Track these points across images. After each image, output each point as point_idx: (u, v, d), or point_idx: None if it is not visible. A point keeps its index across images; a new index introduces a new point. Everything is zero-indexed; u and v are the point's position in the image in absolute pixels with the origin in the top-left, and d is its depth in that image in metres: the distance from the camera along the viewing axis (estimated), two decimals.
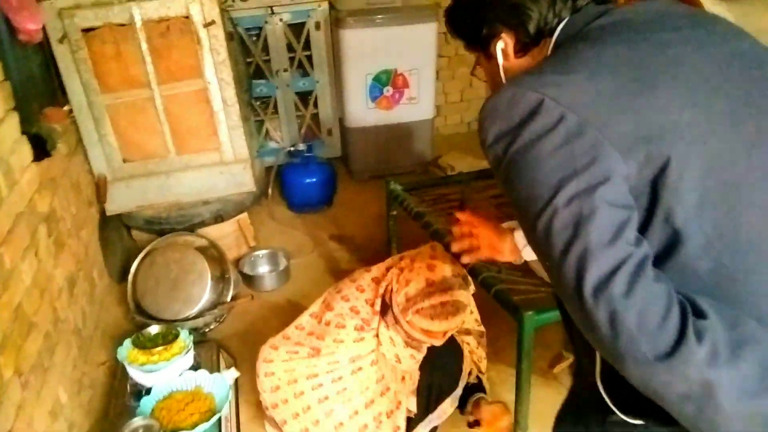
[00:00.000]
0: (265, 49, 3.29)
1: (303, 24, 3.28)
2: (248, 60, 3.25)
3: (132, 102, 2.46)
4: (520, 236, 1.26)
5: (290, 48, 3.32)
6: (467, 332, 1.83)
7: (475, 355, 1.85)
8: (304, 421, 1.59)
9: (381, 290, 1.55)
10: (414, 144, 3.55)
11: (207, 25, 2.37)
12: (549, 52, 0.90)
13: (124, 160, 2.56)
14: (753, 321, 0.72)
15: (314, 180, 3.17)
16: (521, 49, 0.94)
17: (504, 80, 0.97)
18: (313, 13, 3.25)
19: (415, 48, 3.26)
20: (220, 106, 2.52)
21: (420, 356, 1.63)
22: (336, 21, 3.19)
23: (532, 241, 0.80)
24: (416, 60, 3.29)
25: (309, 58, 3.37)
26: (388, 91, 3.33)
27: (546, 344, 2.23)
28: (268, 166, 3.38)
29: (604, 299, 0.70)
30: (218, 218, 2.71)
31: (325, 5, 3.24)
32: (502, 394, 2.06)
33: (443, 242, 2.12)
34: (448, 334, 1.54)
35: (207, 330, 2.35)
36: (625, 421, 0.88)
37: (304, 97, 3.49)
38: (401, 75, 3.31)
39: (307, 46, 3.34)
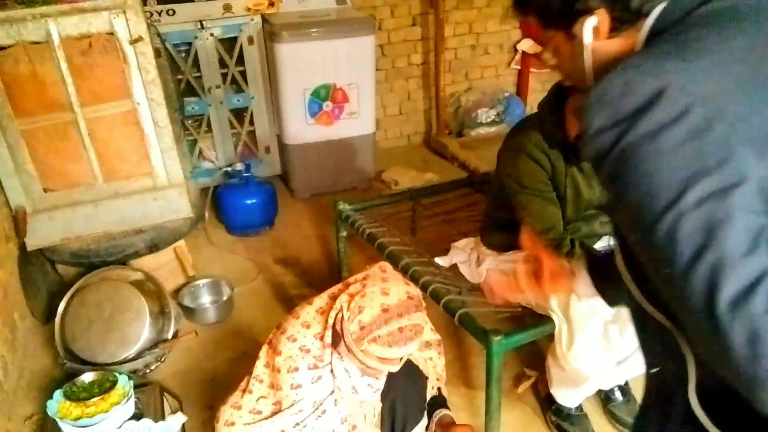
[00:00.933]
0: (196, 65, 3.13)
1: (235, 38, 3.13)
2: (178, 77, 3.07)
3: (52, 126, 2.25)
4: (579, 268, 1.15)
5: (222, 63, 3.17)
6: (427, 345, 1.75)
7: (437, 366, 1.79)
8: None
9: (330, 321, 1.44)
10: (356, 159, 3.46)
11: (134, 41, 2.20)
12: (645, 36, 0.81)
13: (45, 190, 2.34)
14: None
15: (254, 201, 3.03)
16: (614, 28, 0.83)
17: (588, 64, 0.87)
18: (245, 27, 3.11)
19: (353, 61, 3.18)
20: (151, 128, 2.35)
21: (379, 385, 1.54)
22: (270, 35, 3.07)
23: (647, 245, 0.70)
24: (355, 74, 3.21)
25: (243, 73, 3.23)
26: (328, 106, 3.24)
27: (505, 363, 2.18)
28: (204, 188, 3.21)
29: (743, 316, 0.61)
30: (153, 247, 2.52)
31: (258, 19, 3.12)
32: (469, 418, 1.99)
33: (399, 264, 2.05)
34: (405, 358, 1.46)
35: (148, 371, 2.16)
36: None
37: (239, 114, 3.34)
38: (340, 89, 3.22)
39: (240, 61, 3.20)
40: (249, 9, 3.04)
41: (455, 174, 3.50)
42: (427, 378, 1.73)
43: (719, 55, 0.71)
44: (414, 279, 1.94)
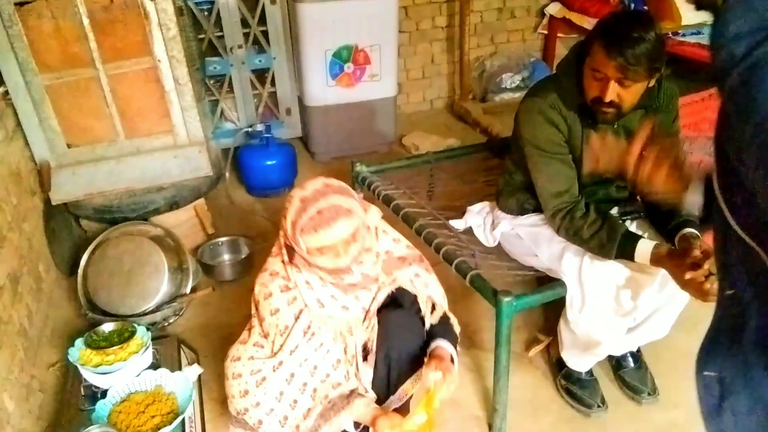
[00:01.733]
0: (218, 24, 3.12)
1: None
2: (200, 36, 3.07)
3: (75, 82, 2.28)
4: None
5: (245, 23, 3.15)
6: (403, 260, 1.59)
7: (429, 285, 1.61)
8: (281, 412, 1.49)
9: (281, 239, 1.46)
10: (377, 123, 3.44)
11: None
12: None
13: (69, 145, 2.38)
14: None
15: (274, 162, 3.04)
16: None
17: None
18: None
19: (375, 23, 3.14)
20: (172, 86, 2.37)
21: (347, 300, 1.49)
22: None
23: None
24: (377, 35, 3.17)
25: (265, 33, 3.21)
26: (349, 68, 3.21)
27: (517, 327, 2.19)
28: (225, 148, 3.23)
29: None
30: (173, 205, 2.56)
31: None
32: (478, 380, 2.01)
33: (413, 226, 2.05)
34: (348, 253, 1.38)
35: (166, 324, 2.22)
36: None
37: (261, 74, 3.33)
38: (362, 51, 3.18)
39: (262, 21, 3.17)
40: None
41: (477, 140, 3.45)
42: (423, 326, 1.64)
43: None
44: (427, 241, 1.94)
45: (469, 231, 2.03)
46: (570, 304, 1.73)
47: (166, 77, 2.35)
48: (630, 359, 1.96)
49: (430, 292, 1.57)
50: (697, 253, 1.47)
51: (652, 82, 1.58)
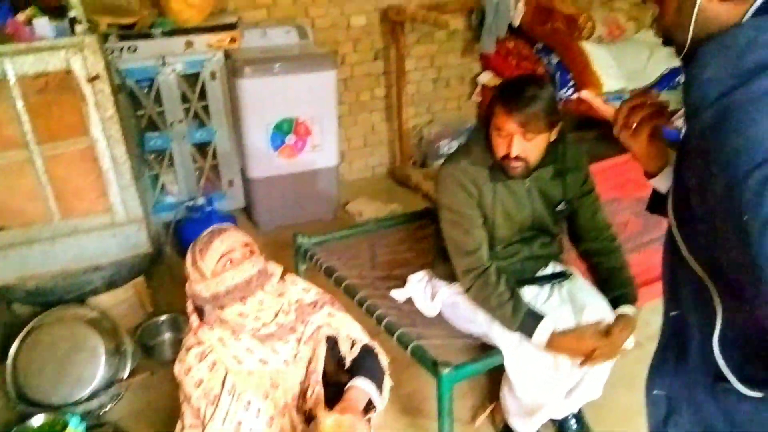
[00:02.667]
0: (158, 100, 3.14)
1: (197, 74, 3.16)
2: (139, 113, 3.08)
3: (8, 165, 2.24)
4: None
5: (185, 98, 3.19)
6: (314, 305, 1.59)
7: (341, 321, 1.60)
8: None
9: (189, 306, 1.51)
10: (320, 191, 3.49)
11: (91, 79, 2.22)
12: (753, 11, 0.81)
13: (1, 228, 2.32)
14: None
15: None
16: None
17: (691, 22, 0.85)
18: (207, 62, 3.14)
19: (315, 96, 3.23)
20: (110, 165, 2.36)
21: (272, 357, 1.48)
22: (232, 70, 3.10)
23: (731, 195, 0.72)
24: (317, 108, 3.26)
25: (205, 108, 3.25)
26: (291, 139, 3.27)
27: (464, 394, 2.20)
28: (166, 222, 3.20)
29: None
30: (111, 284, 2.50)
31: (220, 54, 3.15)
32: None
33: (355, 298, 2.07)
34: (251, 260, 1.42)
35: (102, 412, 2.13)
36: (739, 392, 0.84)
37: (203, 148, 3.35)
38: (303, 123, 3.26)
39: (203, 96, 3.22)
40: (211, 45, 3.08)
41: (419, 204, 3.54)
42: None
43: None
44: (369, 312, 1.96)
45: (410, 301, 2.06)
46: (508, 369, 1.77)
47: (104, 157, 2.34)
48: (572, 420, 1.99)
49: (347, 330, 1.58)
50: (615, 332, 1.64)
51: (554, 136, 1.71)
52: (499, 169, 1.73)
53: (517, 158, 1.66)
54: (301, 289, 1.62)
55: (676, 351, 0.97)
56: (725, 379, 0.86)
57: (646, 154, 0.94)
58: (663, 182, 1.03)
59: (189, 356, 1.48)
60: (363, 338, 1.59)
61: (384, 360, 1.58)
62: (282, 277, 1.57)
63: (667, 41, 0.91)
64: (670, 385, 0.98)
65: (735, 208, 0.72)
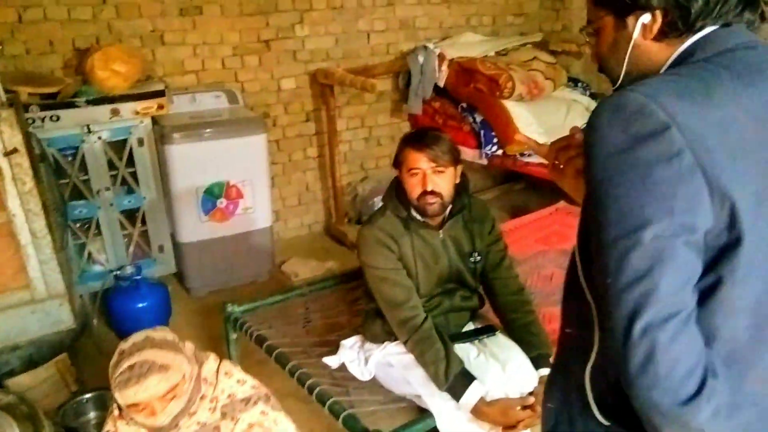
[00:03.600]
0: (83, 168, 3.08)
1: (125, 141, 3.12)
2: (63, 181, 3.01)
3: None
4: None
5: (112, 165, 3.14)
6: (247, 401, 1.54)
7: (279, 422, 1.57)
8: None
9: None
10: (254, 252, 3.46)
11: (8, 153, 2.17)
12: (679, 53, 0.87)
13: None
14: (748, 390, 0.81)
15: (145, 304, 2.93)
16: (662, 32, 0.88)
17: (626, 57, 0.91)
18: (134, 129, 3.11)
19: (246, 159, 3.24)
20: (29, 240, 2.28)
21: None
22: (161, 136, 3.09)
23: (601, 255, 0.79)
24: (248, 170, 3.27)
25: (133, 174, 3.20)
26: (222, 203, 3.25)
27: None
28: (94, 292, 3.09)
29: (648, 341, 0.74)
30: (31, 364, 2.38)
31: (148, 121, 3.13)
32: None
33: (286, 367, 2.04)
34: (166, 412, 1.37)
35: None
36: (596, 421, 0.92)
37: (131, 214, 3.28)
38: (234, 186, 3.25)
39: (130, 162, 3.18)
40: (138, 112, 3.06)
41: (355, 262, 3.53)
42: None
43: (735, 108, 0.80)
44: (301, 381, 1.94)
45: (344, 366, 2.06)
46: (442, 430, 1.78)
47: (22, 231, 2.26)
48: None
49: (280, 429, 1.56)
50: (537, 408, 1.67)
51: (458, 178, 1.86)
52: (412, 217, 1.86)
53: (432, 193, 1.79)
54: (235, 381, 1.57)
55: (563, 368, 1.04)
56: (589, 404, 0.93)
57: (575, 189, 0.99)
58: None
59: None
60: None
61: None
62: (218, 362, 1.55)
63: (602, 70, 1.00)
64: (557, 400, 1.04)
65: (601, 268, 0.80)
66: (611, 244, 0.78)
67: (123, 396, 1.34)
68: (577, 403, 0.95)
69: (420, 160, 1.78)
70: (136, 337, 1.42)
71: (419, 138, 1.83)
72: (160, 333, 1.44)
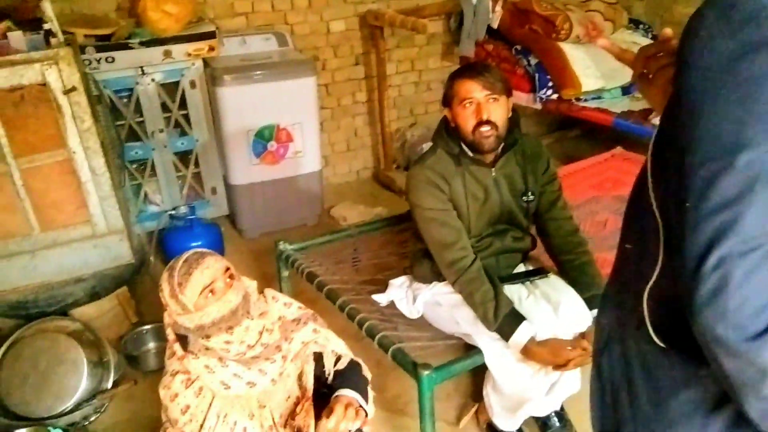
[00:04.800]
0: (138, 110, 3.14)
1: (177, 83, 3.16)
2: (119, 123, 3.08)
3: None
4: None
5: (165, 108, 3.19)
6: (297, 322, 1.57)
7: (330, 339, 1.59)
8: None
9: (170, 335, 1.47)
10: (303, 197, 3.50)
11: (67, 92, 2.22)
12: None
13: None
14: None
15: (200, 243, 3.01)
16: None
17: None
18: (186, 71, 3.14)
19: (296, 102, 3.23)
20: (89, 177, 2.35)
21: (260, 379, 1.47)
22: (212, 79, 3.11)
23: (684, 174, 0.72)
24: (298, 114, 3.26)
25: (186, 117, 3.25)
26: (272, 146, 3.28)
27: (448, 395, 2.22)
28: (150, 232, 3.19)
29: (722, 273, 0.69)
30: (94, 295, 2.49)
31: (199, 63, 3.15)
32: None
33: (336, 302, 2.07)
34: (234, 288, 1.39)
35: (86, 423, 2.12)
36: (652, 337, 0.88)
37: (184, 156, 3.35)
38: (284, 129, 3.26)
39: (183, 105, 3.22)
40: (189, 54, 3.08)
41: (403, 207, 3.53)
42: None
43: None
44: (350, 317, 1.97)
45: (392, 304, 2.08)
46: (491, 367, 1.78)
47: (82, 168, 2.33)
48: (555, 418, 2.01)
49: (332, 346, 1.58)
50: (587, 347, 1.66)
51: (509, 111, 1.81)
52: (464, 153, 1.82)
53: (488, 122, 1.75)
54: (282, 304, 1.60)
55: (619, 287, 0.99)
56: (645, 324, 0.89)
57: (662, 102, 0.89)
58: None
59: (175, 383, 1.45)
60: (348, 353, 1.60)
61: (368, 374, 1.59)
62: (261, 292, 1.57)
63: None
64: (610, 317, 1.01)
65: (682, 189, 0.73)
66: (699, 164, 0.71)
67: (192, 284, 1.35)
68: (631, 322, 0.93)
69: (474, 90, 1.73)
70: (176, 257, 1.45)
71: (470, 67, 1.79)
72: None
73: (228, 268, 1.41)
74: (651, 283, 0.87)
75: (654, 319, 0.88)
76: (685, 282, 0.73)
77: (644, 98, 0.97)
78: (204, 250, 1.43)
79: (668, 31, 0.92)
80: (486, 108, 1.74)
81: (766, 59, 0.67)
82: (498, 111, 1.75)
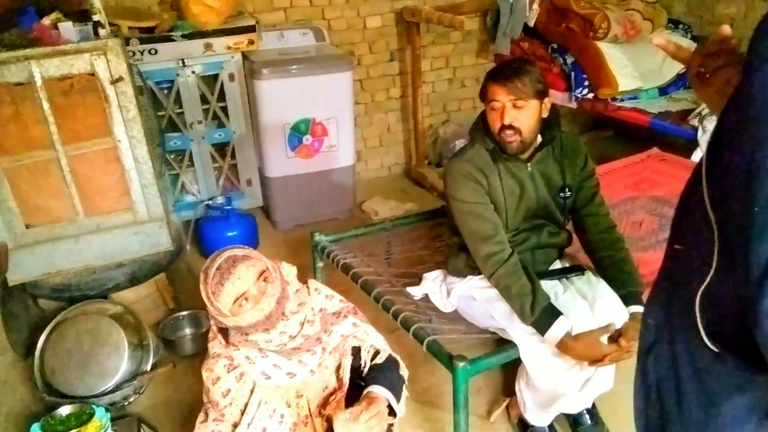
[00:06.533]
0: (178, 101, 3.21)
1: (216, 75, 3.22)
2: (160, 113, 3.15)
3: (34, 164, 2.30)
4: None
5: (204, 99, 3.25)
6: (337, 315, 1.60)
7: (369, 333, 1.62)
8: None
9: (213, 325, 1.49)
10: (336, 190, 3.54)
11: (114, 81, 2.28)
12: None
13: (27, 226, 2.38)
14: None
15: (235, 233, 3.08)
16: None
17: None
18: (226, 64, 3.20)
19: (331, 97, 3.27)
20: (132, 165, 2.41)
21: (300, 369, 1.50)
22: (250, 72, 3.16)
23: (752, 178, 0.71)
24: (334, 108, 3.30)
25: (224, 109, 3.31)
26: (308, 140, 3.32)
27: (479, 389, 2.23)
28: (186, 221, 3.26)
29: None
30: (134, 281, 2.56)
31: (239, 56, 3.21)
32: None
33: (371, 294, 2.10)
34: (268, 294, 1.39)
35: (126, 404, 2.19)
36: (704, 340, 0.88)
37: (221, 148, 3.41)
38: (320, 124, 3.30)
39: (221, 97, 3.28)
40: (229, 47, 3.14)
41: (434, 203, 3.57)
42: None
43: None
44: (385, 308, 2.00)
45: (426, 297, 2.10)
46: (525, 361, 1.79)
47: (126, 156, 2.39)
48: (587, 416, 2.01)
49: (372, 341, 1.61)
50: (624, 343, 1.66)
51: (545, 112, 1.80)
52: (499, 149, 1.82)
53: (510, 127, 1.75)
54: (324, 297, 1.62)
55: (668, 287, 0.99)
56: (697, 326, 0.88)
57: (719, 103, 0.88)
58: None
59: (217, 366, 1.50)
60: (387, 349, 1.62)
61: (404, 372, 1.60)
62: (304, 282, 1.59)
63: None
64: (658, 317, 1.00)
65: (749, 192, 0.71)
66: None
67: (224, 295, 1.36)
68: (681, 323, 0.92)
69: (499, 94, 1.74)
70: (212, 255, 1.45)
71: (501, 71, 1.79)
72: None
73: (263, 272, 1.40)
74: (704, 285, 0.86)
75: (706, 323, 0.87)
76: (748, 289, 0.72)
77: (699, 98, 0.96)
78: (237, 252, 1.41)
79: (726, 28, 0.91)
80: (509, 113, 1.74)
81: None
82: (523, 116, 1.75)
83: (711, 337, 0.87)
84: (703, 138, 2.75)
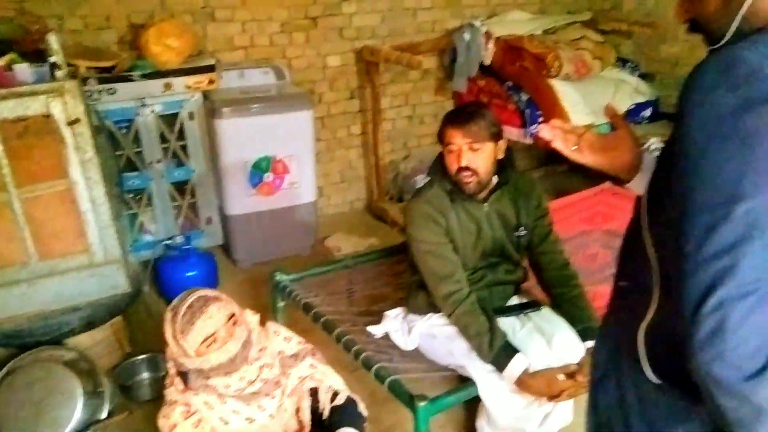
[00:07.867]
0: (137, 141, 3.18)
1: (176, 114, 3.21)
2: (118, 153, 3.12)
3: None
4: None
5: (164, 138, 3.24)
6: (296, 357, 1.62)
7: (327, 374, 1.64)
8: None
9: (172, 369, 1.50)
10: (298, 227, 3.53)
11: (71, 123, 2.26)
12: None
13: None
14: None
15: (195, 273, 3.04)
16: None
17: (740, 12, 0.82)
18: (186, 103, 3.20)
19: (292, 134, 3.30)
20: (89, 206, 2.38)
21: (259, 414, 1.49)
22: (210, 111, 3.17)
23: (684, 221, 0.75)
24: (295, 146, 3.32)
25: (184, 147, 3.30)
26: (269, 177, 3.32)
27: (442, 426, 2.23)
28: (144, 261, 3.21)
29: (719, 316, 0.72)
30: (90, 324, 2.49)
31: (199, 95, 3.22)
32: None
33: (333, 333, 2.10)
34: (235, 337, 1.40)
35: None
36: (646, 378, 0.91)
37: (181, 186, 3.38)
38: (281, 161, 3.32)
39: (181, 136, 3.27)
40: (189, 87, 3.14)
41: (396, 238, 3.60)
42: None
43: None
44: (347, 347, 2.00)
45: (388, 336, 2.10)
46: (484, 399, 1.81)
47: (83, 198, 2.36)
48: None
49: (329, 381, 1.61)
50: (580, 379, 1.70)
51: (500, 153, 1.86)
52: (457, 190, 1.87)
53: (467, 168, 1.80)
54: (282, 339, 1.63)
55: (615, 322, 1.04)
56: (640, 360, 0.93)
57: (600, 162, 1.00)
58: (636, 186, 1.09)
59: (174, 413, 1.47)
60: (345, 389, 1.62)
61: (364, 411, 1.61)
62: (262, 323, 1.59)
63: (694, 28, 0.91)
64: (606, 351, 1.05)
65: (682, 235, 0.77)
66: (699, 212, 0.75)
67: (194, 334, 1.36)
68: (627, 357, 0.97)
69: (455, 137, 1.80)
70: (181, 294, 1.45)
71: (456, 114, 1.86)
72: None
73: (233, 315, 1.42)
74: (647, 320, 0.92)
75: (650, 356, 0.92)
76: (683, 323, 0.76)
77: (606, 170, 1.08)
78: (208, 293, 1.43)
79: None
80: (466, 155, 1.80)
81: (764, 116, 0.72)
82: (478, 159, 1.82)
83: (654, 370, 0.93)
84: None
